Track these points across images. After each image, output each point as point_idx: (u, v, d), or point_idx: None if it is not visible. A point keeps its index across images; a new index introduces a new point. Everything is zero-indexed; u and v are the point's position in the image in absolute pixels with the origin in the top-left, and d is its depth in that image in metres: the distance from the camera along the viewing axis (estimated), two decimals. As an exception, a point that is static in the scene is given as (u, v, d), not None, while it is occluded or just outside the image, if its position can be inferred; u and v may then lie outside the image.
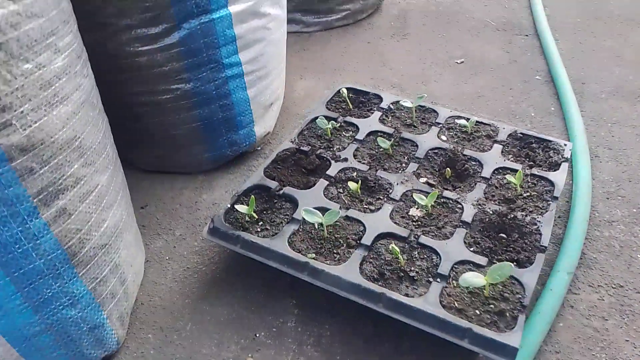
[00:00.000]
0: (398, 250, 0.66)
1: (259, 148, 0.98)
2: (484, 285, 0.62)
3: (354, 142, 0.86)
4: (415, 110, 0.92)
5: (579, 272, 0.75)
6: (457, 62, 1.23)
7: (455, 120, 0.90)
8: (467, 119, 0.88)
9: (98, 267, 0.62)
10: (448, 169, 0.80)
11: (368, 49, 1.30)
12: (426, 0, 1.54)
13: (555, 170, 0.81)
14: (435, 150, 0.84)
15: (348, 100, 0.95)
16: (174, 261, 0.77)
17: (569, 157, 0.83)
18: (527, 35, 1.33)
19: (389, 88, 1.14)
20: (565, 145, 0.85)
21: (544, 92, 1.12)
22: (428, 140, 0.85)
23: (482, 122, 0.90)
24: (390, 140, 0.85)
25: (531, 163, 0.83)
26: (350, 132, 0.89)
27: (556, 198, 0.76)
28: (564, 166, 0.81)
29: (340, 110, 0.95)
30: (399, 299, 0.62)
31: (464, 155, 0.83)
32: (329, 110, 0.94)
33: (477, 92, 1.12)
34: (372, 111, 0.93)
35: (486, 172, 0.80)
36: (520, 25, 1.38)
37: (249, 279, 0.74)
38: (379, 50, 1.29)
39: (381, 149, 0.84)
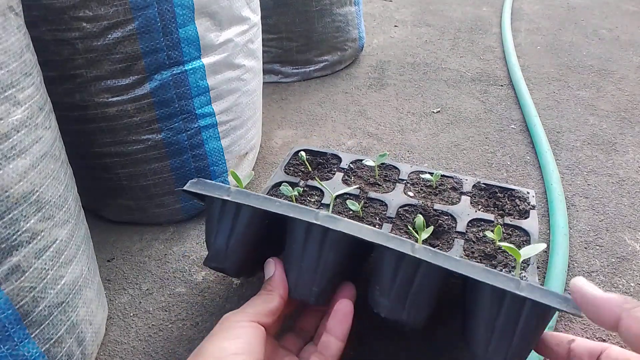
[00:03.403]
0: None
1: (233, 198, 0.96)
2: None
3: (321, 207, 0.81)
4: (377, 168, 0.90)
5: (559, 326, 0.73)
6: (433, 112, 1.24)
7: (420, 175, 0.89)
8: (430, 173, 0.87)
9: (53, 327, 0.58)
10: (411, 227, 0.77)
11: (346, 99, 1.31)
12: (403, 52, 1.57)
13: (525, 218, 0.80)
14: (406, 208, 0.82)
15: (307, 163, 0.91)
16: (139, 318, 0.74)
17: (534, 204, 0.82)
18: (502, 86, 1.36)
19: (366, 137, 1.15)
20: (528, 192, 0.85)
21: (519, 141, 1.12)
22: (396, 198, 0.83)
23: (444, 175, 0.89)
24: (359, 202, 0.80)
25: (501, 212, 0.82)
26: (316, 197, 0.84)
27: None
28: (533, 213, 0.80)
29: (300, 173, 0.90)
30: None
31: (435, 210, 0.81)
32: (288, 174, 0.89)
33: (453, 142, 1.13)
34: (332, 172, 0.89)
35: (461, 226, 0.78)
36: (495, 75, 1.41)
37: (217, 337, 0.71)
38: (356, 101, 1.31)
39: (351, 212, 0.80)
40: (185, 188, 0.62)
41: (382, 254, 0.55)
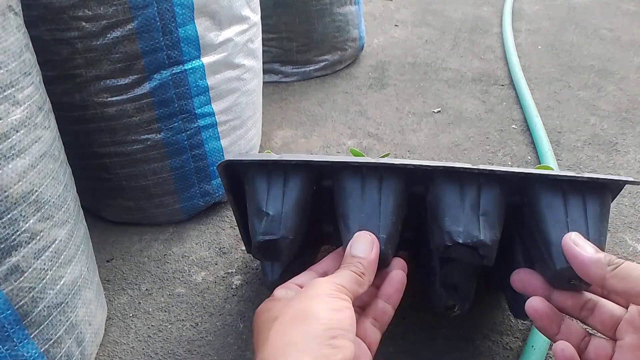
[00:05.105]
0: None
1: (233, 198, 0.96)
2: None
3: None
4: None
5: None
6: (434, 112, 1.24)
7: None
8: None
9: (52, 328, 0.58)
10: None
11: (346, 99, 1.31)
12: (403, 52, 1.57)
13: None
14: None
15: None
16: (138, 318, 0.74)
17: None
18: (502, 86, 1.35)
19: (367, 137, 1.14)
20: None
21: (520, 141, 1.12)
22: None
23: None
24: None
25: None
26: None
27: None
28: None
29: None
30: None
31: None
32: None
33: (454, 142, 1.12)
34: None
35: None
36: (495, 75, 1.41)
37: (219, 337, 0.71)
38: (357, 101, 1.30)
39: None
40: (231, 158, 0.58)
41: (445, 183, 0.55)
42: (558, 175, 0.53)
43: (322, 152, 1.10)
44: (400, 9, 1.95)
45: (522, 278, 0.55)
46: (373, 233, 0.53)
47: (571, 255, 0.48)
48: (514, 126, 1.18)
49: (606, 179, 0.53)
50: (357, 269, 0.49)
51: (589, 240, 0.50)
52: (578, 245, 0.48)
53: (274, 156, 0.58)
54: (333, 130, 1.18)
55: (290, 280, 0.53)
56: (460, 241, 0.52)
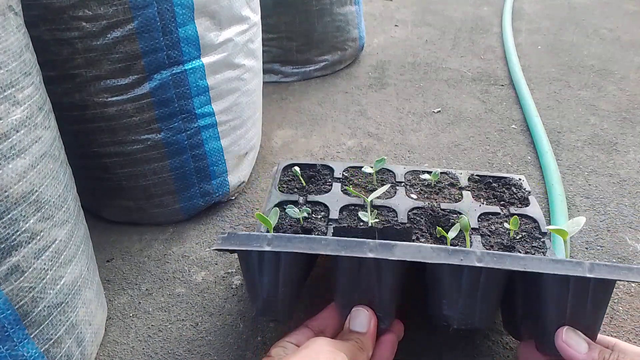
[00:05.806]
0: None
1: (233, 198, 0.96)
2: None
3: (331, 222, 0.76)
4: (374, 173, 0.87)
5: (560, 326, 0.73)
6: (434, 111, 1.24)
7: (418, 175, 0.88)
8: (428, 172, 0.86)
9: (52, 328, 0.58)
10: (439, 228, 0.74)
11: (346, 99, 1.31)
12: (403, 52, 1.57)
13: (527, 205, 0.80)
14: (414, 211, 0.79)
15: (301, 178, 0.85)
16: (138, 318, 0.74)
17: (529, 189, 0.83)
18: (502, 86, 1.35)
19: (367, 137, 1.15)
20: (520, 179, 0.85)
21: (520, 141, 1.12)
22: (401, 202, 0.81)
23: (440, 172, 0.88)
24: (371, 212, 0.76)
25: (503, 202, 0.82)
26: (322, 213, 0.78)
27: (545, 234, 0.74)
28: (532, 199, 0.81)
29: (295, 190, 0.83)
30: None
31: (443, 210, 0.80)
32: (283, 192, 0.82)
33: (453, 142, 1.12)
34: (328, 184, 0.84)
35: (472, 222, 0.76)
36: (495, 75, 1.41)
37: (219, 337, 0.71)
38: (356, 100, 1.30)
39: (362, 223, 0.76)
40: (216, 247, 0.57)
41: (443, 268, 0.54)
42: (571, 276, 0.52)
43: (322, 151, 1.10)
44: (400, 8, 1.96)
45: (527, 351, 0.58)
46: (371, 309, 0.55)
47: (565, 356, 0.51)
48: (513, 126, 1.18)
49: (621, 280, 0.52)
50: (356, 344, 0.52)
51: (585, 326, 0.52)
52: (571, 346, 0.50)
53: (265, 238, 0.55)
54: (333, 130, 1.18)
55: (285, 339, 0.54)
56: (455, 326, 0.55)
